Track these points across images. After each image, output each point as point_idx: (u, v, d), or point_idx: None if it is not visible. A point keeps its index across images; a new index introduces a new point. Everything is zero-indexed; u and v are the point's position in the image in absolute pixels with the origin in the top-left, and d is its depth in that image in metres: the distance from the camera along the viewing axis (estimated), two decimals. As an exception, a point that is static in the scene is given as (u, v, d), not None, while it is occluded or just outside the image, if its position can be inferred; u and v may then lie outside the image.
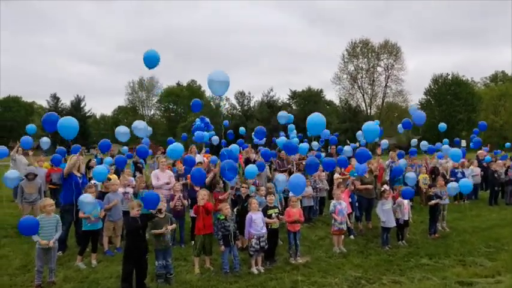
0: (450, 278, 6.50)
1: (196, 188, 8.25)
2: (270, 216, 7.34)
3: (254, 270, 6.87)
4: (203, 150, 13.81)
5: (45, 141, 13.64)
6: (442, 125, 17.55)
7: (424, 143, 15.88)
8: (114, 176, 9.55)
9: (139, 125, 10.07)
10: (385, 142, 15.63)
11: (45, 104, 77.59)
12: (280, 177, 9.08)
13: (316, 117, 8.01)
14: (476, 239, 8.94)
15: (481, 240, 8.81)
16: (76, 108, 74.64)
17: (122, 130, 10.67)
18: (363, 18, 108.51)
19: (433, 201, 9.29)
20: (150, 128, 11.10)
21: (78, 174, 8.05)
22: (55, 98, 75.24)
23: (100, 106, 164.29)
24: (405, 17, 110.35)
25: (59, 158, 11.87)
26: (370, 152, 9.10)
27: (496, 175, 13.77)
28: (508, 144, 19.41)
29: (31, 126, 13.12)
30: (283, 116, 13.92)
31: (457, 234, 9.51)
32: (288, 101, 68.96)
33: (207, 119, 17.00)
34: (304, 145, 13.49)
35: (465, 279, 6.44)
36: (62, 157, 12.09)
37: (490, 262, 7.37)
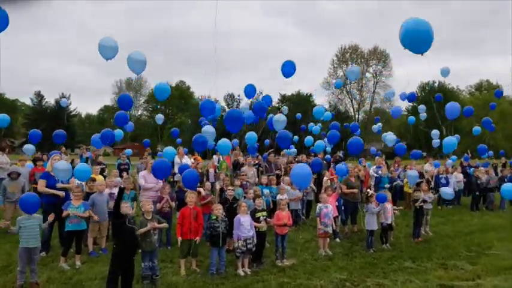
0: (432, 281, 6.64)
1: None
2: (258, 219, 7.38)
3: (240, 272, 6.89)
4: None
5: (29, 148, 13.03)
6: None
7: (435, 132, 15.87)
8: (99, 177, 9.46)
9: (108, 42, 8.06)
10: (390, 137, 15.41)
11: (28, 102, 76.53)
12: (281, 117, 9.04)
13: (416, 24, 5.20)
14: (458, 243, 9.12)
15: (462, 245, 9.00)
16: (61, 107, 73.68)
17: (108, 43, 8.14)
18: (356, 25, 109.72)
19: (417, 203, 9.45)
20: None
21: None
22: (39, 95, 74.13)
23: (86, 106, 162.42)
24: (397, 25, 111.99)
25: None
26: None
27: (478, 181, 14.07)
28: None
29: (2, 116, 12.47)
30: (353, 70, 13.14)
31: (439, 238, 9.69)
32: (277, 105, 69.18)
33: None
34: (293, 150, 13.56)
35: (446, 282, 6.57)
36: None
37: (470, 266, 7.53)
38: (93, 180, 8.46)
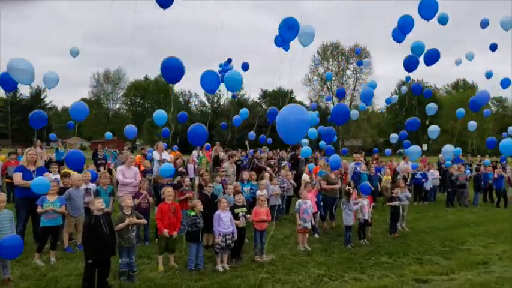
0: (407, 276, 6.77)
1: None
2: (237, 215, 7.35)
3: (219, 267, 6.87)
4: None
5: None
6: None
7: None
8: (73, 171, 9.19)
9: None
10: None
11: (1, 94, 74.35)
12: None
13: None
14: (433, 239, 9.34)
15: (437, 240, 9.22)
16: (36, 100, 71.95)
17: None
18: (338, 22, 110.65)
19: (388, 203, 9.79)
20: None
21: (32, 168, 7.71)
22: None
23: (63, 99, 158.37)
24: (379, 24, 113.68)
25: None
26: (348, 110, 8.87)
27: (452, 178, 14.42)
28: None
29: None
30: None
31: (415, 234, 9.89)
32: (258, 100, 69.27)
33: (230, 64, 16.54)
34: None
35: (421, 277, 6.71)
36: None
37: (445, 261, 7.72)
38: (67, 175, 8.22)
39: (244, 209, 7.59)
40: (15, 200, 7.63)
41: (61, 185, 8.03)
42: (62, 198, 7.31)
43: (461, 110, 17.02)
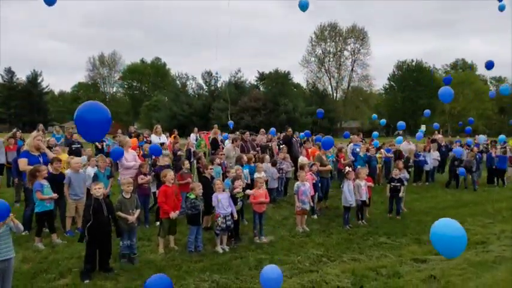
0: (406, 256, 6.83)
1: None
2: (236, 199, 7.40)
3: (219, 249, 6.91)
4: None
5: None
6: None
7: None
8: (64, 156, 9.11)
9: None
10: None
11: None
12: None
13: None
14: (432, 219, 9.29)
15: (435, 220, 9.21)
16: (33, 84, 71.37)
17: None
18: (336, 2, 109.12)
19: (390, 186, 9.75)
20: None
21: (36, 153, 7.68)
22: (9, 72, 71.35)
23: (61, 82, 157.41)
24: (378, 4, 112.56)
25: None
26: None
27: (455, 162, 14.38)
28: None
29: None
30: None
31: (413, 214, 9.94)
32: (255, 83, 68.79)
33: None
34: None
35: (420, 257, 6.77)
36: None
37: (443, 240, 7.77)
38: (59, 160, 8.05)
39: (242, 194, 7.62)
40: (25, 186, 7.62)
41: (51, 170, 7.70)
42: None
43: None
